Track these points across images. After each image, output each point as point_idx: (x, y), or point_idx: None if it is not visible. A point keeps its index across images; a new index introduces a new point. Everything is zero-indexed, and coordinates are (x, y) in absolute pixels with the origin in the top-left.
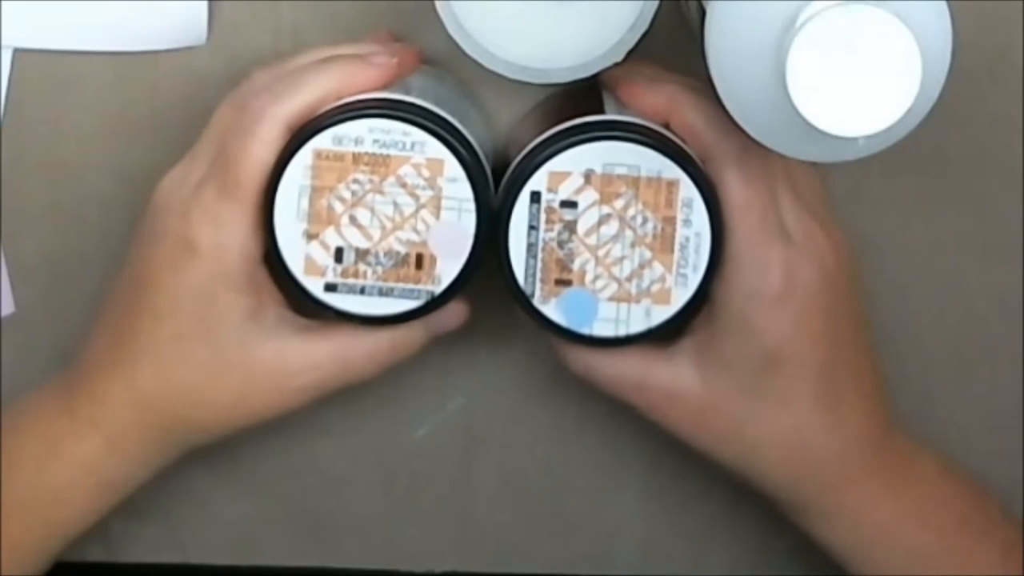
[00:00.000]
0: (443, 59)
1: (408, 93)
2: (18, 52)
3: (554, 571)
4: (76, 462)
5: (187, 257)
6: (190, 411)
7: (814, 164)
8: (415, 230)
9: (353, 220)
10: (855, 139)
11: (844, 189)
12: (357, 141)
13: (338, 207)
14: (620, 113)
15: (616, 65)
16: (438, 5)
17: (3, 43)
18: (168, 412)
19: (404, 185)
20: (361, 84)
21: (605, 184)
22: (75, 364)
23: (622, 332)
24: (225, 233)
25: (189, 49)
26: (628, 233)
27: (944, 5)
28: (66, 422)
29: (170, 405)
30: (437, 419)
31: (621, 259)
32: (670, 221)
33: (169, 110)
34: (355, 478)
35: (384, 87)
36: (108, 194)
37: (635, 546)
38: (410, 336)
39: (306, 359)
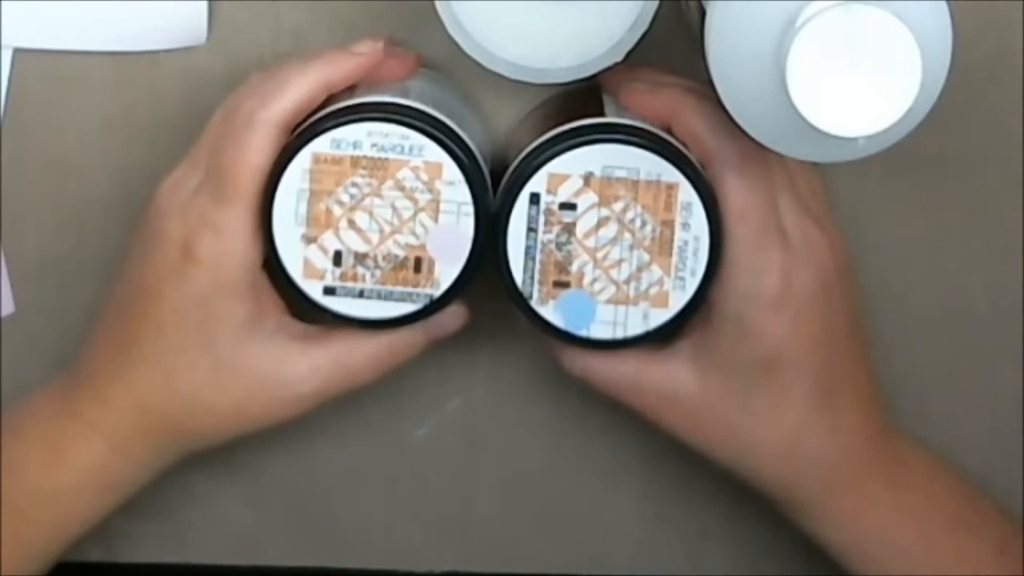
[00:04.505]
0: (443, 60)
1: (407, 96)
2: (18, 52)
3: (554, 571)
4: (79, 465)
5: (187, 265)
6: (192, 418)
7: (814, 164)
8: (413, 233)
9: (352, 224)
10: (855, 139)
11: (844, 189)
12: (355, 145)
13: (336, 211)
14: (620, 116)
15: (616, 65)
16: (438, 5)
17: (3, 43)
18: (170, 419)
19: (402, 189)
20: (347, 76)
21: (604, 187)
22: (77, 366)
23: (619, 334)
24: (224, 240)
25: (189, 49)
26: (627, 236)
27: (944, 5)
28: (69, 425)
29: (172, 412)
30: (437, 419)
31: (619, 262)
32: (669, 224)
33: (169, 110)
34: (355, 478)
35: (370, 76)
36: (108, 194)
37: (633, 546)
38: (410, 340)
39: (307, 365)
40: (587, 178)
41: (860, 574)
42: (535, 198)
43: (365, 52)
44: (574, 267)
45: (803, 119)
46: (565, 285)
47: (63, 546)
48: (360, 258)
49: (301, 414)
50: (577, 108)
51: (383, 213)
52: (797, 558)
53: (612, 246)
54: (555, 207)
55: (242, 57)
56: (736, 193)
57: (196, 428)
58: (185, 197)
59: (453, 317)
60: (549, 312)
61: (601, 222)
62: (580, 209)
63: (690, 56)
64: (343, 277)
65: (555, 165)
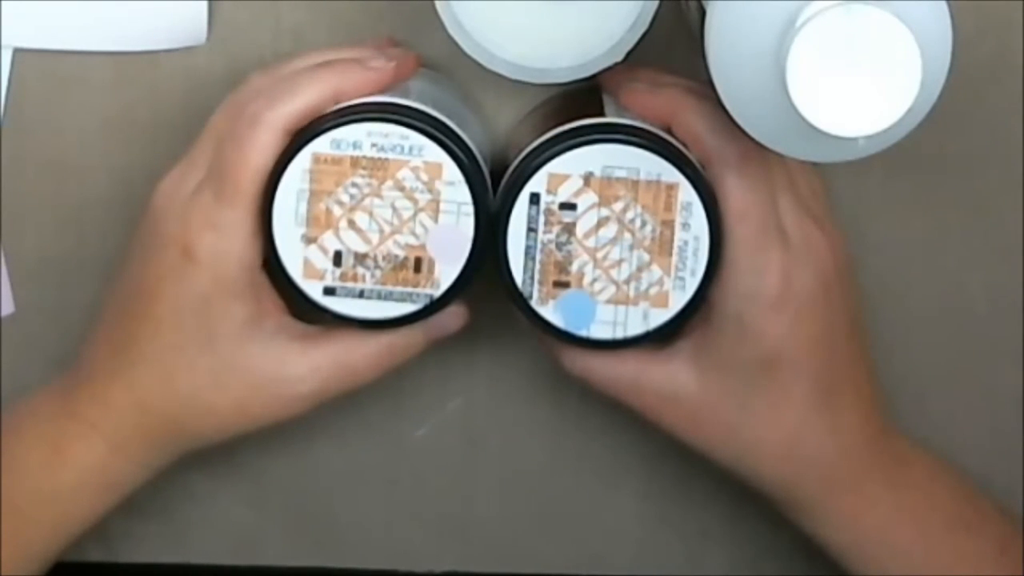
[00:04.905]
0: (443, 60)
1: (407, 96)
2: (18, 52)
3: (553, 571)
4: (79, 464)
5: (186, 265)
6: (191, 418)
7: (814, 165)
8: (413, 233)
9: (352, 224)
10: (855, 139)
11: (844, 189)
12: (355, 145)
13: (336, 211)
14: (620, 116)
15: (616, 65)
16: (438, 5)
17: (3, 43)
18: (169, 418)
19: (402, 189)
20: (357, 88)
21: (604, 187)
22: (76, 366)
23: (619, 334)
24: (224, 240)
25: (189, 49)
26: (627, 236)
27: (944, 5)
28: (68, 425)
29: (171, 412)
30: (437, 419)
31: (619, 262)
32: (669, 224)
33: (169, 110)
34: (355, 478)
35: (381, 91)
36: (108, 194)
37: (633, 546)
38: (410, 340)
39: (307, 365)
40: (587, 178)
41: (860, 574)
42: (535, 198)
43: (378, 68)
44: (574, 267)
45: (803, 119)
46: (565, 285)
47: (63, 546)
48: (360, 258)
49: (301, 413)
50: (577, 108)
51: (383, 213)
52: (797, 558)
53: (612, 246)
54: (555, 207)
55: (242, 57)
56: (736, 193)
57: (196, 428)
58: (184, 197)
59: (453, 317)
60: (549, 312)
61: (601, 222)
62: (580, 209)
63: (690, 56)
64: (343, 277)
65: (555, 165)
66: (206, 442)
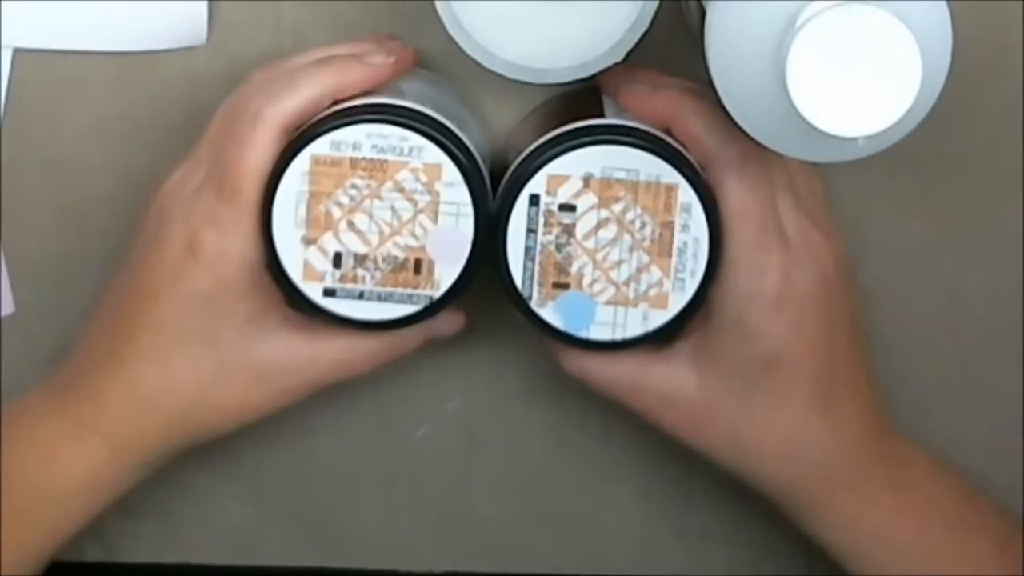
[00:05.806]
0: (443, 60)
1: (405, 98)
2: (18, 52)
3: (553, 571)
4: (77, 466)
5: (189, 263)
6: (194, 414)
7: (814, 165)
8: (413, 235)
9: (351, 225)
10: (855, 139)
11: (844, 189)
12: (355, 146)
13: (336, 212)
14: (620, 117)
15: (616, 65)
16: (438, 5)
17: (3, 43)
18: (173, 415)
19: (402, 190)
20: (356, 83)
21: (604, 188)
22: (70, 365)
23: (619, 336)
24: (227, 239)
25: (189, 49)
26: (626, 237)
27: (944, 5)
28: (66, 426)
29: (175, 408)
30: (437, 419)
31: (619, 263)
32: (668, 226)
33: (169, 110)
34: (355, 478)
35: (380, 86)
36: (108, 194)
37: (633, 546)
38: (409, 338)
39: (308, 357)
40: (587, 179)
41: (860, 574)
42: (535, 199)
43: (377, 63)
44: (573, 268)
45: (803, 119)
46: (564, 286)
47: (59, 545)
48: (360, 260)
49: (297, 402)
50: (577, 109)
51: (382, 215)
52: (797, 558)
53: (611, 247)
54: (555, 208)
55: (242, 57)
56: (735, 194)
57: (198, 423)
58: (188, 196)
59: (450, 323)
60: (548, 313)
61: (601, 223)
62: (580, 210)
63: (690, 56)
64: (343, 279)
65: (555, 166)
66: (208, 436)
